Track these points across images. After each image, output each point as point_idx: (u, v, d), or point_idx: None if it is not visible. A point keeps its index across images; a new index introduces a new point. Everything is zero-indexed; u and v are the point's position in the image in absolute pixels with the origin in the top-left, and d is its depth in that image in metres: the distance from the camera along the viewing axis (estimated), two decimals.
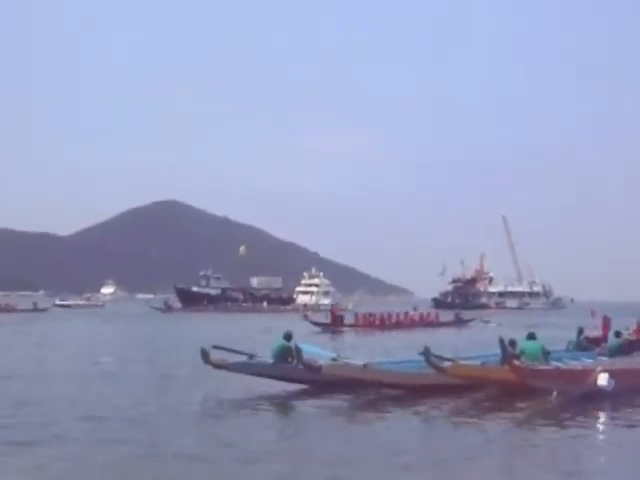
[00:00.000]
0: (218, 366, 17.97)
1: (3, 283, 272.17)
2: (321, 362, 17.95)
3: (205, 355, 17.76)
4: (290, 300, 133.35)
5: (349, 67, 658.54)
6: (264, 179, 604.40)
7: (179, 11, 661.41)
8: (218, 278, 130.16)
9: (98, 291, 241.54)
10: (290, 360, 18.21)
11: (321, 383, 17.73)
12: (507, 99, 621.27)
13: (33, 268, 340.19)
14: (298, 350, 18.13)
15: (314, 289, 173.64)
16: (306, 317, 48.92)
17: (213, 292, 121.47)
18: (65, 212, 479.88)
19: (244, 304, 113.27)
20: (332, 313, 49.38)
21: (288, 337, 18.80)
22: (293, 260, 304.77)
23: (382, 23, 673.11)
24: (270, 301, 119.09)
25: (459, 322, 53.42)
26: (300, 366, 17.92)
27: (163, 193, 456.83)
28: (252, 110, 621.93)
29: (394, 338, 38.76)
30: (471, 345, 31.69)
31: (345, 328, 46.37)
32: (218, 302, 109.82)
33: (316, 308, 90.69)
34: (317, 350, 19.71)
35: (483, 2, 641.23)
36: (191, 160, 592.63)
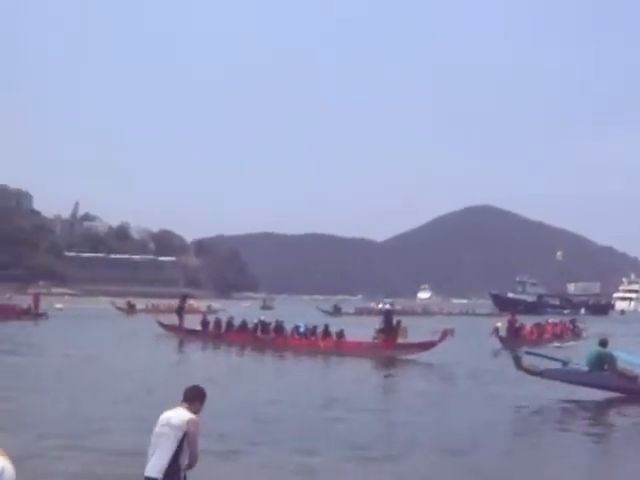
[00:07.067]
0: (531, 372, 17.88)
1: (323, 288, 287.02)
2: (637, 371, 17.44)
3: (517, 361, 17.85)
4: (609, 306, 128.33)
5: None
6: (570, 180, 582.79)
7: None
8: (534, 284, 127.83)
9: (414, 296, 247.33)
10: (605, 368, 17.74)
11: (637, 393, 17.22)
12: None
13: (351, 272, 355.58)
14: (613, 358, 17.73)
15: (633, 295, 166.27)
16: (496, 331, 36.06)
17: (529, 298, 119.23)
18: (382, 219, 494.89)
19: (564, 311, 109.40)
20: (509, 324, 38.16)
21: (604, 343, 18.33)
22: (611, 265, 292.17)
23: None
24: (588, 307, 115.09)
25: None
26: (615, 375, 17.54)
27: (476, 198, 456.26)
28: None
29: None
30: None
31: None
32: (534, 309, 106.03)
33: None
34: (634, 359, 18.92)
35: None
36: (502, 163, 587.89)
